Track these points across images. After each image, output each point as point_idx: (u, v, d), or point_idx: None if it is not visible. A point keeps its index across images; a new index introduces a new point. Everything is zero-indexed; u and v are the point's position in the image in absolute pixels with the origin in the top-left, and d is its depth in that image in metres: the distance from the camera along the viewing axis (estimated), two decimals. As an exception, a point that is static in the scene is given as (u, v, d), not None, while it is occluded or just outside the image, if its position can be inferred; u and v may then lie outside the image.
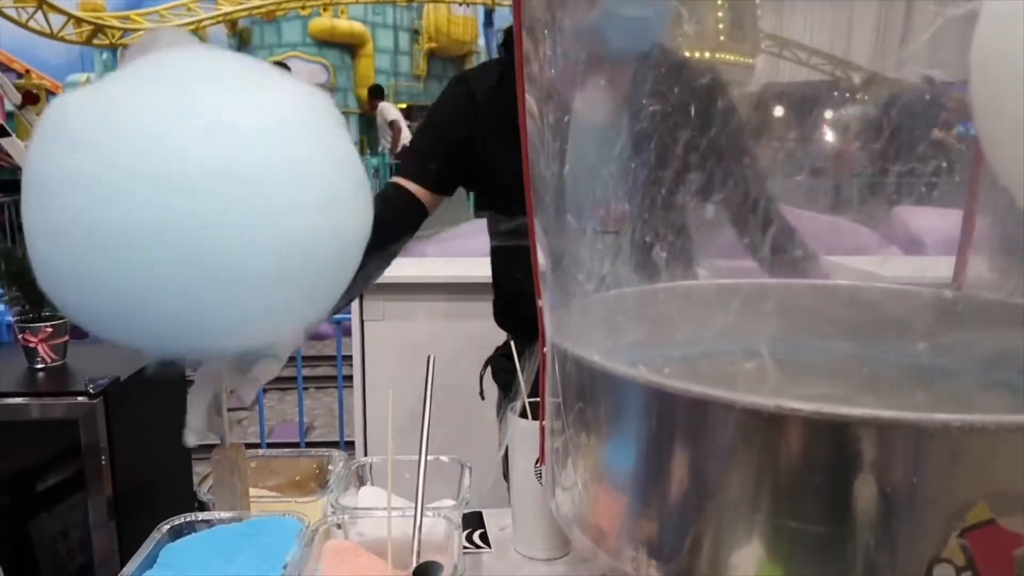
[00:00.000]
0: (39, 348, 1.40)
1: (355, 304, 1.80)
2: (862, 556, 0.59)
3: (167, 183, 0.71)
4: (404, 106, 10.40)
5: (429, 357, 0.92)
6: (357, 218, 0.84)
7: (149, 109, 0.74)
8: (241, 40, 14.15)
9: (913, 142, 0.88)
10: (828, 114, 1.03)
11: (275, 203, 0.74)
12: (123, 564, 0.80)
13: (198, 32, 12.53)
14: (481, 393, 1.61)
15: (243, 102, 0.76)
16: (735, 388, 0.62)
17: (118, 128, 0.73)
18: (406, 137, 8.84)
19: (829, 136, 1.00)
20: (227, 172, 0.72)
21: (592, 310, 0.86)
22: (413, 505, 0.92)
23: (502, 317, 1.56)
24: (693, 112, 0.83)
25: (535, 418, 1.00)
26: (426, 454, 0.87)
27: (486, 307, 1.57)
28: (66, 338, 1.43)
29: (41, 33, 10.38)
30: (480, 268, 1.72)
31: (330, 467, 1.06)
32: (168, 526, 0.87)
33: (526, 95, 0.77)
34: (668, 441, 0.68)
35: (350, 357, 2.09)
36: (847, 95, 1.10)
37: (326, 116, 0.83)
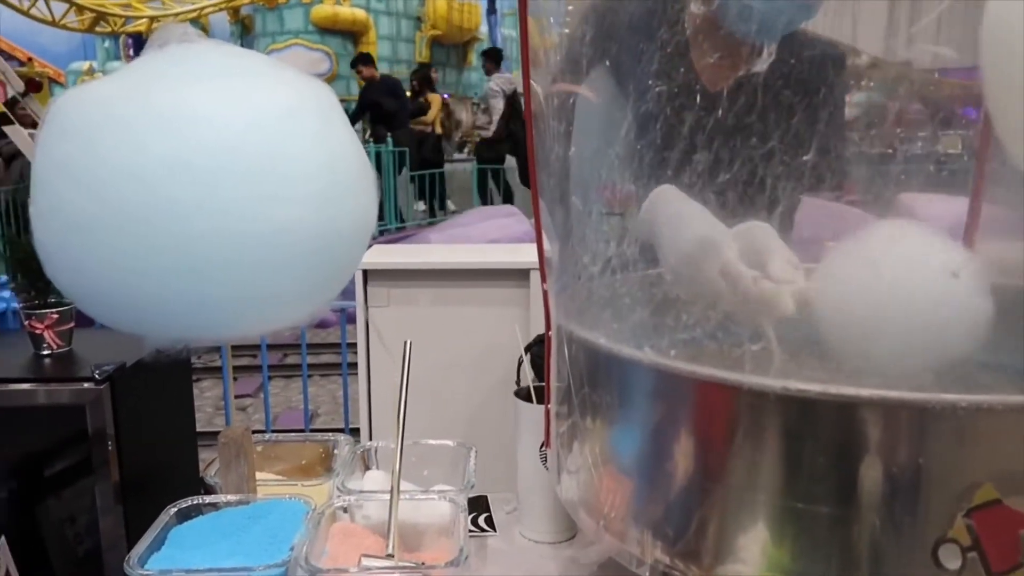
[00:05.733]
0: (45, 334, 1.40)
1: (359, 291, 1.79)
2: (868, 537, 0.59)
3: (138, 174, 0.71)
4: (408, 94, 10.30)
5: (406, 342, 0.91)
6: (354, 211, 0.83)
7: (127, 103, 0.74)
8: (243, 28, 14.09)
9: (920, 126, 0.87)
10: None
11: (254, 196, 0.74)
12: (131, 549, 0.80)
13: (200, 20, 12.49)
14: (518, 381, 1.52)
15: (223, 99, 0.76)
16: (741, 370, 0.62)
17: (99, 120, 0.74)
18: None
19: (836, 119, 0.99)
20: (198, 165, 0.72)
21: (597, 293, 0.86)
22: (419, 489, 0.93)
23: None
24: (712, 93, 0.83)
25: (540, 402, 1.00)
26: (403, 437, 0.86)
27: (490, 293, 1.57)
28: (72, 324, 1.43)
29: (43, 21, 10.36)
30: (484, 255, 1.71)
31: (335, 452, 1.06)
32: (175, 509, 0.87)
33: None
34: (674, 423, 0.68)
35: (355, 344, 2.10)
36: (854, 80, 1.10)
37: (319, 110, 0.82)
